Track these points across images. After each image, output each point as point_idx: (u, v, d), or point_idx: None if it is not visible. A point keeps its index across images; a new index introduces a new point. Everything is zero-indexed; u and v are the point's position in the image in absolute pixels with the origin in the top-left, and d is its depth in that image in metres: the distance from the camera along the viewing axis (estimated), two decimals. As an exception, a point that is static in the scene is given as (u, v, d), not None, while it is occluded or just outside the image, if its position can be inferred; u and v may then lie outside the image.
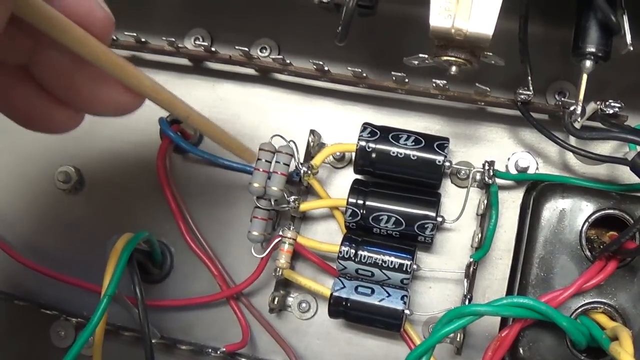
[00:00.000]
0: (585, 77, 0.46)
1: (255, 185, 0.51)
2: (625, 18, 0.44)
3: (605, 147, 0.53)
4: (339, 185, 0.56)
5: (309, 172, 0.52)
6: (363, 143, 0.51)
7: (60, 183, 0.58)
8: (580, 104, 0.47)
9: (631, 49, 0.44)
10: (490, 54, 0.44)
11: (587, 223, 0.47)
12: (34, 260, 0.57)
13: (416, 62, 0.47)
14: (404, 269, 0.50)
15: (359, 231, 0.52)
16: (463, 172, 0.53)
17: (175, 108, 0.36)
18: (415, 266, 0.51)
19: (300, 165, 0.52)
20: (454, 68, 0.44)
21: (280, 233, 0.52)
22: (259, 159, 0.51)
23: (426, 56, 0.45)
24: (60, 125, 0.34)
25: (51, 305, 0.57)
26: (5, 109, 0.34)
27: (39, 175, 0.59)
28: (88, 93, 0.33)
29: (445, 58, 0.44)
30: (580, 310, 0.46)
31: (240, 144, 0.45)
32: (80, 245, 0.58)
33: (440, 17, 0.42)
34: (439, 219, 0.51)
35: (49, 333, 0.58)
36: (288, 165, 0.52)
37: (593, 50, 0.45)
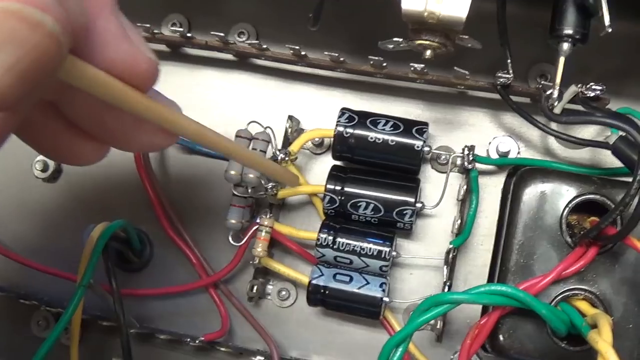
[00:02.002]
0: (562, 59, 0.45)
1: (232, 172, 0.50)
2: (603, -1, 0.44)
3: (588, 131, 0.52)
4: (319, 171, 0.55)
5: (287, 158, 0.51)
6: (341, 128, 0.51)
7: (38, 172, 0.58)
8: (557, 87, 0.46)
9: (609, 30, 0.43)
10: (466, 37, 0.43)
11: (567, 208, 0.47)
12: (13, 249, 0.57)
13: (391, 46, 0.46)
14: (383, 256, 0.50)
15: (338, 218, 0.52)
16: (443, 157, 0.53)
17: (218, 147, 0.36)
18: (394, 253, 0.50)
19: (277, 152, 0.51)
20: (428, 52, 0.43)
21: (258, 221, 0.52)
22: (235, 146, 0.51)
23: (401, 40, 0.45)
24: (86, 159, 0.32)
25: (31, 295, 0.57)
26: (30, 142, 0.32)
27: (17, 164, 0.59)
28: (120, 134, 0.31)
29: (419, 42, 0.43)
30: (560, 297, 0.46)
31: (285, 171, 0.49)
32: (59, 235, 0.58)
33: (412, -1, 0.41)
34: (419, 205, 0.50)
35: (30, 323, 0.58)
36: (265, 152, 0.51)
37: (570, 32, 0.44)
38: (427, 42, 0.43)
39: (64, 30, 0.22)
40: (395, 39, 0.45)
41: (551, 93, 0.46)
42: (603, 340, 0.39)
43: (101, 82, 0.26)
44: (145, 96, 0.28)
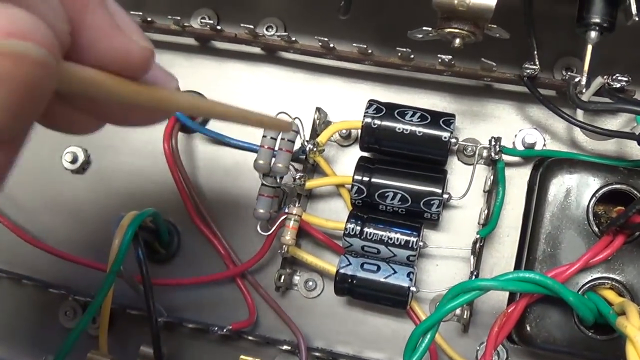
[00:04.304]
0: (590, 48, 0.45)
1: (261, 162, 0.51)
2: (631, -13, 0.44)
3: (613, 123, 0.53)
4: (346, 163, 0.56)
5: (315, 149, 0.52)
6: (368, 120, 0.51)
7: (67, 163, 0.59)
8: (585, 75, 0.46)
9: (637, 19, 0.43)
10: (495, 26, 0.44)
11: (594, 198, 0.47)
12: (42, 240, 0.58)
13: (420, 36, 0.46)
14: (410, 245, 0.50)
15: (365, 208, 0.52)
16: (470, 148, 0.53)
17: (213, 113, 0.37)
18: (421, 243, 0.50)
19: (305, 143, 0.52)
20: (457, 40, 0.44)
21: (286, 210, 0.52)
22: (264, 136, 0.51)
23: (430, 29, 0.45)
24: (82, 129, 0.31)
25: (59, 285, 0.57)
26: None
27: (46, 155, 0.60)
28: (115, 115, 0.30)
29: (448, 30, 0.44)
30: (587, 286, 0.46)
31: (275, 119, 0.47)
32: (88, 226, 0.59)
33: (443, -13, 0.41)
34: (445, 196, 0.50)
35: (57, 313, 0.58)
36: (293, 142, 0.51)
37: (598, 20, 0.45)
38: (457, 31, 0.43)
39: (51, 50, 0.20)
40: (424, 28, 0.45)
41: (579, 80, 0.47)
42: (632, 325, 0.39)
43: (92, 81, 0.24)
44: (140, 85, 0.27)
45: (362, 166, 0.52)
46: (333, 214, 0.55)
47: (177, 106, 0.32)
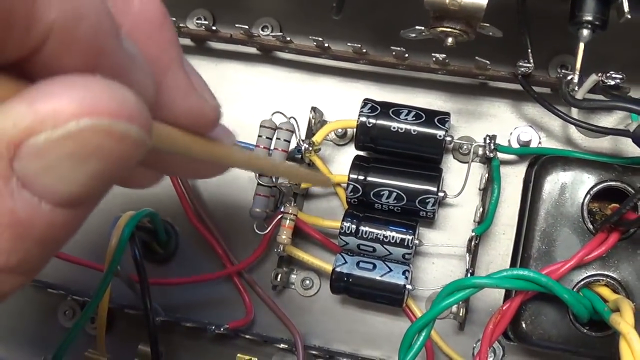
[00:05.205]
0: (582, 46, 0.45)
1: (257, 161, 0.51)
2: (623, -15, 0.44)
3: (608, 120, 0.53)
4: (342, 162, 0.56)
5: (310, 148, 0.52)
6: (363, 119, 0.51)
7: (65, 165, 0.59)
8: (578, 73, 0.46)
9: (629, 17, 0.43)
10: (487, 25, 0.44)
11: (588, 195, 0.47)
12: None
13: (413, 35, 0.46)
14: (406, 243, 0.50)
15: (361, 207, 0.52)
16: (465, 147, 0.53)
17: (263, 170, 0.37)
18: (417, 241, 0.51)
19: (301, 142, 0.52)
20: (450, 39, 0.44)
21: (282, 209, 0.52)
22: (259, 136, 0.52)
23: (423, 28, 0.45)
24: (142, 183, 0.31)
25: (58, 285, 0.58)
26: None
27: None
28: (179, 169, 0.32)
29: (441, 29, 0.44)
30: (582, 283, 0.46)
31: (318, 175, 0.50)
32: (87, 226, 0.57)
33: (434, -14, 0.42)
34: (441, 194, 0.51)
35: (56, 313, 0.59)
36: (288, 142, 0.52)
37: (590, 18, 0.45)
38: (449, 30, 0.43)
39: (147, 129, 0.21)
40: (417, 27, 0.45)
41: (571, 79, 0.47)
42: (625, 322, 0.39)
43: (169, 138, 0.25)
44: (208, 141, 0.28)
45: (358, 165, 0.52)
46: (329, 213, 0.56)
47: (235, 162, 0.32)
